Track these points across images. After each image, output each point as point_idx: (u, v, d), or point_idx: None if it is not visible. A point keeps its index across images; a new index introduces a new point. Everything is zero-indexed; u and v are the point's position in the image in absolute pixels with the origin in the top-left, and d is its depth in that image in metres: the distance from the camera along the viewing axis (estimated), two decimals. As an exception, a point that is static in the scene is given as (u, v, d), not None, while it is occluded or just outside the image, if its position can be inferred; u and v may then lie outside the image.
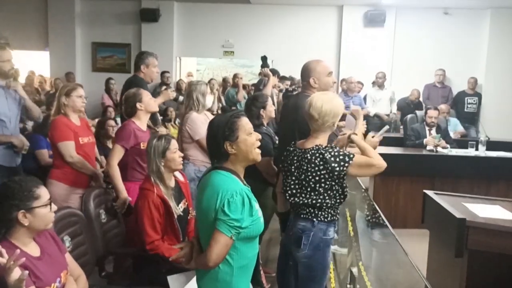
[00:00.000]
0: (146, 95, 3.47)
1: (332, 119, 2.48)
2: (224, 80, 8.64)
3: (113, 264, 3.06)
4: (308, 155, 2.46)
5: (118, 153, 3.27)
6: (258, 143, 2.01)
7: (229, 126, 1.94)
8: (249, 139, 1.97)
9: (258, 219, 1.93)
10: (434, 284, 2.24)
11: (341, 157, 2.40)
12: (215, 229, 1.85)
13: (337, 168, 2.39)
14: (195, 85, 3.91)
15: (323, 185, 2.44)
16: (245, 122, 1.98)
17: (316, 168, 2.43)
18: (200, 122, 3.75)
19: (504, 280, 3.02)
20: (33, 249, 1.93)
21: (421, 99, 8.32)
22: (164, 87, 4.24)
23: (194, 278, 2.61)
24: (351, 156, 2.41)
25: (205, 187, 1.95)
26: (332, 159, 2.40)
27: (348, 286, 3.37)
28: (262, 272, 2.23)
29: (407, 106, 8.11)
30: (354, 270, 3.38)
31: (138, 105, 3.41)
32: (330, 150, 2.43)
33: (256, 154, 2.00)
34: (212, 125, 2.01)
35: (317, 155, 2.43)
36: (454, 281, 3.08)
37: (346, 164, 2.39)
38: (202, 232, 1.98)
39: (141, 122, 3.45)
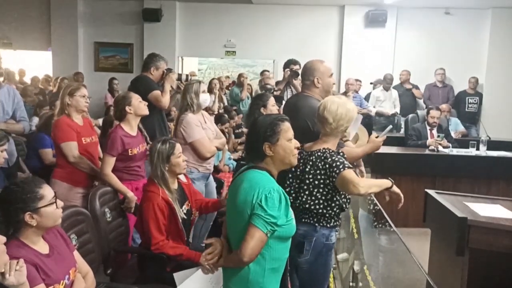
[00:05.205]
0: (135, 98, 3.41)
1: (346, 123, 2.43)
2: (220, 80, 8.66)
3: (118, 262, 3.09)
4: (314, 157, 2.41)
5: (109, 162, 3.27)
6: (296, 151, 2.02)
7: (271, 128, 1.95)
8: (288, 145, 1.98)
9: (291, 220, 1.93)
10: (436, 283, 2.26)
11: (338, 163, 2.33)
12: (250, 224, 1.83)
13: (332, 174, 2.33)
14: (188, 86, 3.85)
15: (321, 190, 2.39)
16: (287, 127, 1.99)
17: (318, 172, 2.38)
18: (194, 125, 3.67)
19: (505, 279, 3.04)
20: (42, 247, 1.96)
21: (411, 81, 8.36)
22: (165, 72, 4.21)
23: (197, 272, 2.64)
24: (346, 166, 2.31)
25: (241, 182, 1.94)
26: (332, 163, 2.34)
27: (351, 284, 3.40)
28: (289, 279, 2.19)
29: (401, 87, 8.26)
30: (356, 268, 3.40)
31: (127, 108, 3.36)
32: (334, 155, 2.38)
33: (293, 158, 2.01)
34: (255, 124, 2.02)
35: (323, 158, 2.38)
36: (455, 280, 3.10)
37: (337, 171, 2.31)
38: (233, 228, 1.96)
39: (130, 126, 3.40)
